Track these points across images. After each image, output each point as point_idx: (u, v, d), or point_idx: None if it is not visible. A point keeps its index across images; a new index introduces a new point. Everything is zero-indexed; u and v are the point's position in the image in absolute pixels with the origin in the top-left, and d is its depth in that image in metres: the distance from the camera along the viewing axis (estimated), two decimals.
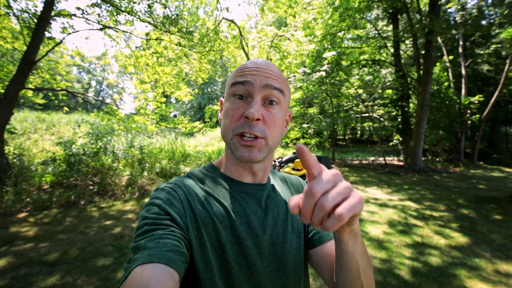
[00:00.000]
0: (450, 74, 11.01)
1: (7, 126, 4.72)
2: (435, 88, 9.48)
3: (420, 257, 3.12)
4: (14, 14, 5.55)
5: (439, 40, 10.56)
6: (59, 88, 6.38)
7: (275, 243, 0.58)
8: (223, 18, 8.31)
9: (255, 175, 0.62)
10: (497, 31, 11.52)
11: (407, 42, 10.33)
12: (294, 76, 10.43)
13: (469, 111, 10.46)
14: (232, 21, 8.53)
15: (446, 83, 9.98)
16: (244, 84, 0.55)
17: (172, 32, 6.91)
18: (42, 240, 3.18)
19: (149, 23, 6.55)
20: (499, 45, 12.38)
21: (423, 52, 8.28)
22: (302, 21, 9.67)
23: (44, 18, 4.87)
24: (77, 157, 5.13)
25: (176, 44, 7.23)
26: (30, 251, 2.91)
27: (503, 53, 13.31)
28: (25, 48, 5.05)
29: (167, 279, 0.37)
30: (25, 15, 5.61)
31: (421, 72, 8.14)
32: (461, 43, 11.90)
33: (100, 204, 4.68)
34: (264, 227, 0.58)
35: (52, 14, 5.30)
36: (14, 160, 4.99)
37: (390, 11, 9.51)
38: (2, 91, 4.77)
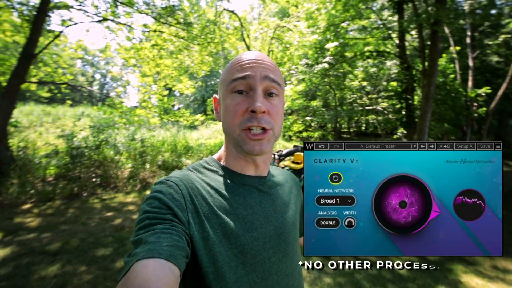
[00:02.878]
0: (457, 65, 10.73)
1: (11, 120, 4.79)
2: (441, 80, 9.27)
3: None
4: (13, 8, 5.55)
5: (446, 30, 10.27)
6: (61, 82, 6.42)
7: (279, 233, 0.59)
8: (224, 9, 8.20)
9: (258, 167, 0.63)
10: (506, 20, 11.15)
11: (412, 32, 10.07)
12: (296, 68, 10.30)
13: (475, 104, 10.25)
14: (233, 12, 8.41)
15: (452, 75, 9.75)
16: (245, 78, 0.55)
17: (171, 24, 6.85)
18: (45, 230, 3.27)
19: (147, 14, 6.49)
20: (509, 36, 11.99)
21: (428, 43, 8.08)
22: (305, 11, 9.48)
23: (42, 11, 4.87)
24: (79, 150, 5.20)
25: (175, 36, 7.17)
26: (33, 241, 3.00)
27: None
28: (24, 41, 5.07)
29: (168, 274, 0.37)
30: (24, 8, 5.60)
31: (426, 63, 7.97)
32: (469, 33, 11.55)
33: (102, 196, 4.77)
34: (268, 218, 0.59)
35: (50, 6, 5.28)
36: (19, 153, 5.08)
37: (396, 0, 9.24)
38: (5, 84, 4.81)
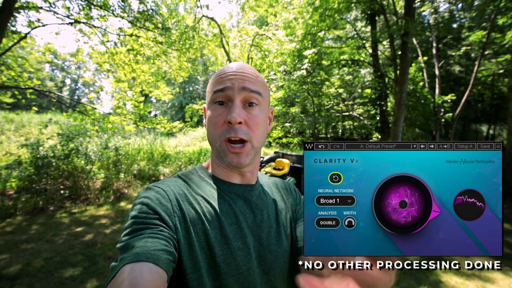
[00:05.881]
0: (425, 74, 11.47)
1: None
2: (411, 87, 9.83)
3: None
4: None
5: (414, 41, 10.97)
6: (26, 86, 5.95)
7: (264, 244, 0.58)
8: (203, 15, 8.15)
9: (244, 177, 0.63)
10: (466, 34, 12.15)
11: (384, 43, 10.66)
12: (275, 75, 10.44)
13: (442, 110, 10.97)
14: (212, 18, 8.38)
15: (421, 83, 10.38)
16: (223, 90, 0.56)
17: (148, 28, 6.65)
18: (3, 251, 2.93)
19: (123, 17, 6.25)
20: (469, 47, 13.07)
21: (399, 53, 8.56)
22: (283, 20, 9.69)
23: (7, 10, 4.50)
24: (45, 160, 4.80)
25: (152, 41, 6.97)
26: None
27: (472, 55, 14.08)
28: None
29: (155, 278, 0.37)
30: None
31: (398, 72, 8.41)
32: (434, 44, 12.45)
33: (71, 209, 4.41)
34: (253, 228, 0.58)
35: (16, 6, 4.91)
36: None
37: (368, 12, 9.75)
38: None
